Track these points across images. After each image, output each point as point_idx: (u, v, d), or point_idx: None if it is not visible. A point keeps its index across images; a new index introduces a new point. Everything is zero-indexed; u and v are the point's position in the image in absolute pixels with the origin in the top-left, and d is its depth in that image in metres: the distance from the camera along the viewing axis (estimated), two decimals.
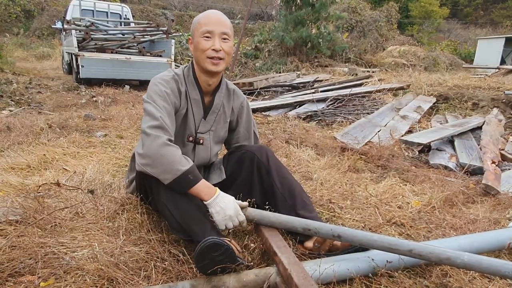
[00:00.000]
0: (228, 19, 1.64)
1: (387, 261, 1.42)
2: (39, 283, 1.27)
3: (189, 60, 9.79)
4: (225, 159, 1.88)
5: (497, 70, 9.55)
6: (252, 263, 1.44)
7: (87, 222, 1.69)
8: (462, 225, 1.94)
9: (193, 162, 1.50)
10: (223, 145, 1.95)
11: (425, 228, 1.91)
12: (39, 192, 1.96)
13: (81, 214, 1.78)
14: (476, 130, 4.08)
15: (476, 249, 1.56)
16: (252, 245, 1.53)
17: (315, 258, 1.49)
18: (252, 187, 1.72)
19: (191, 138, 1.72)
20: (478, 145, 3.48)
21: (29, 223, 1.62)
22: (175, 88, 1.62)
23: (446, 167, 3.07)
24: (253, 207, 1.57)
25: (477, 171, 2.94)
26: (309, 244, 1.59)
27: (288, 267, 1.24)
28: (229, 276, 1.30)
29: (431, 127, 4.48)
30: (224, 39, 1.58)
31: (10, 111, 4.51)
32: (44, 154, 2.64)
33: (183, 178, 1.41)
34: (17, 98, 5.44)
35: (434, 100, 5.67)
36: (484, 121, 4.20)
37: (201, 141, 1.74)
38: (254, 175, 1.73)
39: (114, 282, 1.30)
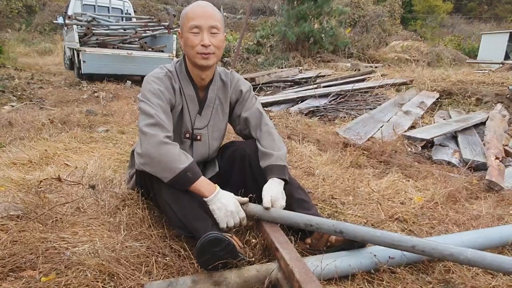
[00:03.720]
0: (217, 10, 1.59)
1: (389, 257, 1.41)
2: (40, 278, 1.27)
3: None
4: (219, 153, 1.86)
5: (501, 65, 9.48)
6: (253, 259, 1.44)
7: (88, 217, 1.69)
8: (465, 221, 1.93)
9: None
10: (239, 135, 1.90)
11: (427, 224, 1.91)
12: (40, 187, 1.95)
13: (82, 209, 1.78)
14: (480, 125, 4.05)
15: (479, 245, 1.55)
16: (253, 240, 1.53)
17: (316, 254, 1.49)
18: (246, 184, 1.69)
19: (187, 135, 1.70)
20: (482, 140, 3.45)
21: (30, 218, 1.61)
22: (169, 85, 1.59)
23: (449, 163, 3.05)
24: (254, 202, 1.56)
25: (481, 167, 2.92)
26: (309, 240, 1.58)
27: (289, 263, 1.23)
28: (230, 271, 1.29)
29: (434, 122, 4.45)
30: (213, 33, 1.54)
31: (12, 106, 4.52)
32: (46, 150, 2.64)
33: (182, 176, 1.40)
34: (19, 93, 5.44)
35: (437, 95, 5.64)
36: (488, 117, 4.16)
37: (198, 137, 1.72)
38: (246, 172, 1.71)
39: (115, 277, 1.30)
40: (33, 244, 1.42)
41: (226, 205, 1.42)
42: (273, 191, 1.52)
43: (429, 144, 3.58)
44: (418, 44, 13.99)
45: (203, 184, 1.44)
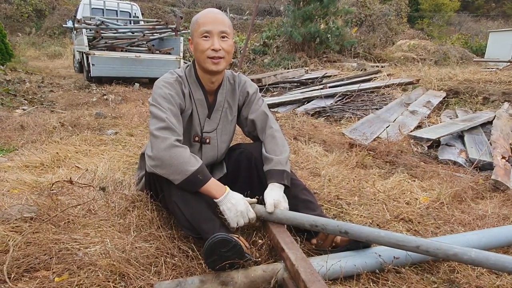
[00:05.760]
0: (227, 17, 1.63)
1: (394, 257, 1.42)
2: (54, 278, 1.30)
3: None
4: (227, 155, 1.89)
5: (508, 63, 9.38)
6: (260, 259, 1.46)
7: (99, 219, 1.73)
8: (471, 221, 1.94)
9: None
10: (248, 136, 1.93)
11: (433, 224, 1.91)
12: (52, 190, 2.00)
13: (93, 211, 1.82)
14: (487, 125, 4.04)
15: (485, 245, 1.56)
16: (260, 241, 1.54)
17: (322, 254, 1.51)
18: (253, 186, 1.72)
19: (197, 138, 1.74)
20: (488, 140, 3.44)
21: (43, 220, 1.66)
22: (179, 90, 1.63)
23: (455, 163, 3.04)
24: (261, 203, 1.59)
25: (487, 167, 2.91)
26: (315, 240, 1.61)
27: (295, 263, 1.25)
28: (237, 271, 1.32)
29: (440, 122, 4.44)
30: (223, 37, 1.57)
31: (24, 110, 4.60)
32: (57, 152, 2.69)
33: (193, 178, 1.44)
34: (30, 97, 5.53)
35: (444, 94, 5.62)
36: (495, 116, 4.14)
37: (207, 141, 1.75)
38: (252, 174, 1.74)
39: (126, 277, 1.33)
40: (47, 245, 1.46)
41: (236, 205, 1.46)
42: (275, 196, 1.55)
43: (435, 144, 3.58)
44: (425, 43, 13.88)
45: (213, 186, 1.47)
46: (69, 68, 11.72)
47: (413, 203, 2.16)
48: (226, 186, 1.51)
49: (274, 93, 6.75)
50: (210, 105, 1.73)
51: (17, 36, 16.99)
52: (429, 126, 4.23)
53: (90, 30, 7.89)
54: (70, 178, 2.16)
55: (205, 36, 1.56)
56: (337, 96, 5.52)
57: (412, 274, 1.45)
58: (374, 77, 7.07)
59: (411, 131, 3.92)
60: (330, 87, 6.26)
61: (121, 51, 8.00)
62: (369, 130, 3.94)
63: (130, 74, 7.77)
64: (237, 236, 1.47)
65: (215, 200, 1.47)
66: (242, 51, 9.33)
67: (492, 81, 5.88)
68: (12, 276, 1.31)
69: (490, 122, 4.04)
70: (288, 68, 9.37)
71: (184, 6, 23.55)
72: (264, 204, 1.54)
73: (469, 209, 2.11)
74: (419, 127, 4.27)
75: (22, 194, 1.95)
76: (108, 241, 1.53)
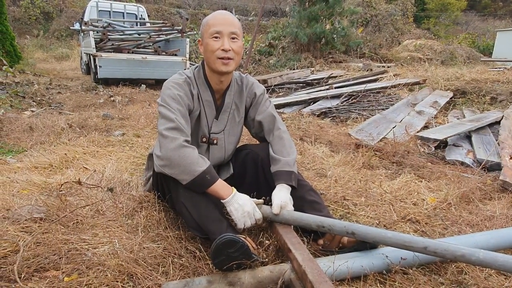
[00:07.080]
0: (236, 19, 1.65)
1: (401, 258, 1.42)
2: (63, 278, 1.32)
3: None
4: (233, 156, 1.90)
5: None
6: (267, 260, 1.47)
7: (107, 220, 1.75)
8: (479, 222, 1.93)
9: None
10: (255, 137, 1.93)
11: (440, 225, 1.90)
12: (61, 191, 2.02)
13: (101, 212, 1.83)
14: (494, 125, 4.01)
15: (493, 246, 1.55)
16: (266, 242, 1.55)
17: (328, 255, 1.51)
18: (259, 187, 1.72)
19: (204, 139, 1.75)
20: (496, 140, 3.42)
21: (52, 220, 1.68)
22: (188, 91, 1.64)
23: (462, 163, 3.02)
24: (267, 204, 1.60)
25: (495, 167, 2.89)
26: (322, 241, 1.61)
27: (302, 264, 1.25)
28: (244, 272, 1.32)
29: (447, 122, 4.41)
30: (233, 38, 1.59)
31: (32, 111, 4.64)
32: (65, 154, 2.72)
33: (201, 178, 1.45)
34: (39, 98, 5.58)
35: (451, 94, 5.58)
36: (503, 116, 4.11)
37: (215, 141, 1.76)
38: (259, 175, 1.75)
39: (134, 277, 1.34)
40: (56, 246, 1.48)
41: (243, 206, 1.47)
42: (282, 197, 1.55)
43: (442, 144, 3.56)
44: (432, 43, 13.78)
45: (220, 186, 1.48)
46: (76, 70, 11.82)
47: (420, 204, 2.15)
48: (233, 187, 1.52)
49: (280, 94, 6.76)
50: (218, 106, 1.74)
51: (25, 38, 17.18)
52: (436, 126, 4.21)
53: (97, 32, 7.96)
54: (79, 179, 2.18)
55: (215, 37, 1.57)
56: (343, 96, 5.51)
57: (420, 275, 1.45)
58: (380, 78, 7.05)
59: (418, 132, 3.90)
60: (336, 87, 6.25)
61: (128, 52, 8.05)
62: (375, 130, 3.93)
63: (136, 76, 7.82)
64: (244, 236, 1.48)
65: (222, 201, 1.47)
66: (248, 52, 9.34)
67: (500, 80, 5.84)
68: (23, 275, 1.32)
69: (498, 122, 4.01)
70: (293, 69, 9.37)
71: (190, 8, 23.65)
72: (271, 205, 1.55)
73: (477, 210, 2.10)
74: (426, 127, 4.25)
75: (32, 195, 1.97)
76: (116, 241, 1.55)
